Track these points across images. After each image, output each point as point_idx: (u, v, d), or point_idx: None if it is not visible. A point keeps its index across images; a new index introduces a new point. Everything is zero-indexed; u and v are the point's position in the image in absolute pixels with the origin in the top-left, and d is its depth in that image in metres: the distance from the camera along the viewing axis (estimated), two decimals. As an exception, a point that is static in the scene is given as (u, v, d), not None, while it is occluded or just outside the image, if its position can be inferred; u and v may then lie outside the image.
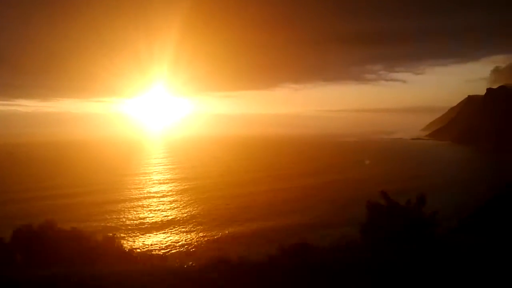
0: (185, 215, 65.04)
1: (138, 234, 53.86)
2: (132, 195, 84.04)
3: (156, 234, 53.98)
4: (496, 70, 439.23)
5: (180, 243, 50.97)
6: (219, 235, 53.71)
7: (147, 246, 48.86)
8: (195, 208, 69.25)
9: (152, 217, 64.17)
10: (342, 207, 66.97)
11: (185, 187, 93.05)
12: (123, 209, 69.59)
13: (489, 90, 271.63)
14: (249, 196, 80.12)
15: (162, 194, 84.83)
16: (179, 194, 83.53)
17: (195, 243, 51.00)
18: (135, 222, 60.73)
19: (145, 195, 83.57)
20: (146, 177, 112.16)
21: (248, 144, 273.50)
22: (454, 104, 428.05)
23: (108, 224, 59.13)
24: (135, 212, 67.30)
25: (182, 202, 75.44)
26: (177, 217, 63.54)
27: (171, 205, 72.83)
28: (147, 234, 53.81)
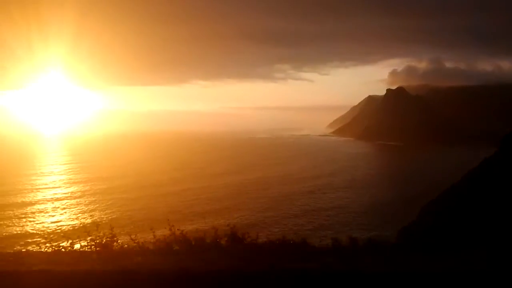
0: (109, 217, 60.13)
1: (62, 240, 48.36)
2: (40, 196, 76.19)
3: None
4: (393, 73, 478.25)
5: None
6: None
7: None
8: (118, 210, 64.44)
9: (70, 219, 58.40)
10: (273, 203, 66.74)
11: (102, 187, 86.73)
12: (35, 212, 62.55)
13: (388, 90, 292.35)
14: (171, 196, 76.48)
15: (78, 194, 78.07)
16: (97, 195, 77.44)
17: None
18: (54, 226, 54.71)
19: (55, 197, 76.22)
20: (48, 178, 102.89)
21: (161, 142, 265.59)
22: (355, 103, 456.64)
23: (26, 230, 52.65)
24: (53, 215, 60.80)
25: (102, 203, 69.83)
26: (101, 220, 58.43)
27: (90, 207, 67.05)
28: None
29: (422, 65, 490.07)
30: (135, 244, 10.28)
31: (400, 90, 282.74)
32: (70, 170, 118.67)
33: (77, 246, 9.93)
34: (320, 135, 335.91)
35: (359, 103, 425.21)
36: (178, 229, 10.72)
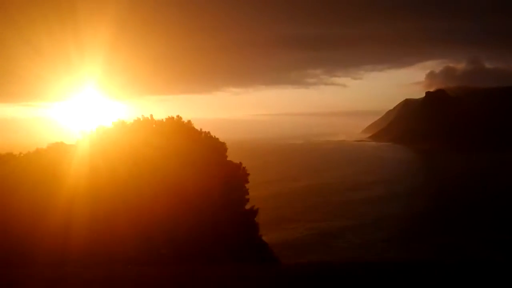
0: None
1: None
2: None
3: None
4: (430, 75, 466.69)
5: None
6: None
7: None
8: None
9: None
10: (338, 211, 64.89)
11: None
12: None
13: (428, 93, 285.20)
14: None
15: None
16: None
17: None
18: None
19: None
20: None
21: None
22: (391, 107, 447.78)
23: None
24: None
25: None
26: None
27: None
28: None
29: (460, 66, 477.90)
30: None
31: (440, 92, 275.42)
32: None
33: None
34: (356, 140, 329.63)
35: (395, 107, 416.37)
36: None
